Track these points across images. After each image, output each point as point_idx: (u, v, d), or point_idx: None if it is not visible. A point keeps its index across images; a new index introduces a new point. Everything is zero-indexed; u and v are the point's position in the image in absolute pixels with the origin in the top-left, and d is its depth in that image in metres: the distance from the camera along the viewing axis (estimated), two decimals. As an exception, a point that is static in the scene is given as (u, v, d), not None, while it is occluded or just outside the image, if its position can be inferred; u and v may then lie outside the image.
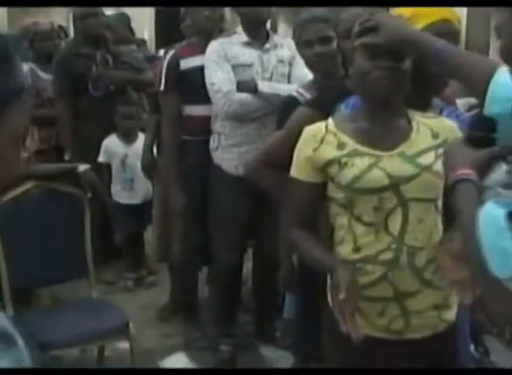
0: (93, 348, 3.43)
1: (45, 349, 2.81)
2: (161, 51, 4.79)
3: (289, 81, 3.48)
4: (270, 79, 3.46)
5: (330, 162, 1.91)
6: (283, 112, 2.82)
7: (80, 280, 3.43)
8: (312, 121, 2.06)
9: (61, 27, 5.80)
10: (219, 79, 3.38)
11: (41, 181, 3.24)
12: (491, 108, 1.65)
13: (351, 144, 1.92)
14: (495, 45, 6.93)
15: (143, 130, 4.48)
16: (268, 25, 3.69)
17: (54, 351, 2.98)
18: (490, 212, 1.39)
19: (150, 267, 4.85)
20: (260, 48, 3.49)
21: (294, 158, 2.00)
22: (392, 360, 1.95)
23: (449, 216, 1.79)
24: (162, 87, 3.67)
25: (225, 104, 3.37)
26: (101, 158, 4.59)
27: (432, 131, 1.96)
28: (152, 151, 4.15)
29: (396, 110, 1.96)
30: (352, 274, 1.82)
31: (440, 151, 1.84)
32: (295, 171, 2.00)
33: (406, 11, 2.01)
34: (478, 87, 1.70)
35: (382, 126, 1.93)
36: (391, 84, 1.86)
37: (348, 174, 1.88)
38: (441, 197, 1.93)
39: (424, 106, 2.08)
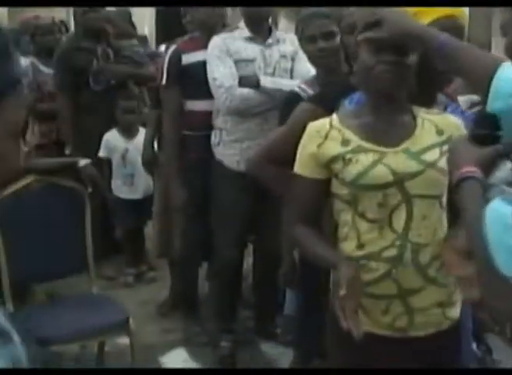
0: (93, 343, 3.42)
1: (45, 345, 2.80)
2: (162, 47, 4.77)
3: (291, 76, 3.47)
4: (272, 74, 3.45)
5: (334, 159, 1.90)
6: (286, 107, 2.81)
7: (80, 275, 3.42)
8: (315, 117, 2.05)
9: (62, 21, 5.79)
10: (221, 74, 3.36)
11: (42, 175, 3.23)
12: (494, 104, 1.64)
13: (355, 140, 1.90)
14: (497, 43, 6.90)
15: (144, 125, 4.47)
16: (270, 20, 3.67)
17: (54, 347, 2.97)
18: (497, 210, 1.38)
19: (150, 263, 4.84)
20: (262, 43, 3.48)
21: (298, 154, 1.99)
22: (395, 358, 1.94)
23: (454, 213, 1.78)
24: (164, 82, 3.66)
25: (227, 99, 3.35)
26: (101, 153, 4.58)
27: (437, 128, 1.95)
28: (153, 146, 4.14)
29: (401, 106, 1.95)
30: (354, 271, 1.81)
31: (445, 147, 1.83)
32: (299, 167, 1.98)
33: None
34: (481, 82, 1.68)
35: (387, 122, 1.92)
36: (395, 79, 1.85)
37: (352, 170, 1.87)
38: (445, 194, 1.92)
39: (428, 102, 2.07)
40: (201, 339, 3.83)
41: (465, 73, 1.80)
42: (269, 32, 3.53)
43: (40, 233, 3.21)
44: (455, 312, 2.00)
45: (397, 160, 1.88)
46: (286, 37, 3.54)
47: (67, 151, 4.61)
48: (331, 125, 1.94)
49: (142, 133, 4.41)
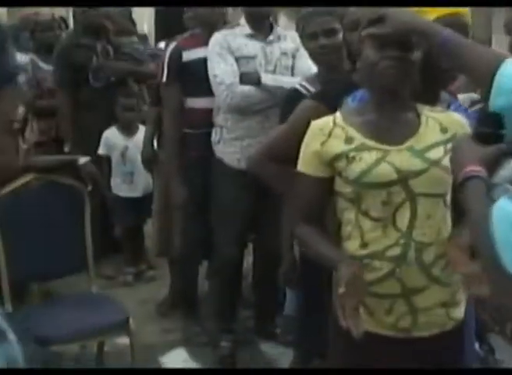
0: (92, 343, 3.40)
1: (44, 345, 2.78)
2: (162, 44, 4.75)
3: (292, 74, 3.45)
4: (273, 71, 3.43)
5: (338, 157, 1.88)
6: (287, 105, 2.80)
7: (80, 274, 3.39)
8: (317, 114, 2.03)
9: (62, 18, 5.77)
10: (222, 71, 3.34)
11: (41, 173, 3.21)
12: (496, 101, 1.62)
13: (359, 138, 1.89)
14: (497, 41, 6.89)
15: (143, 123, 4.45)
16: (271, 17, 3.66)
17: (53, 347, 2.94)
18: (504, 208, 1.38)
19: (149, 261, 4.82)
20: (263, 40, 3.46)
21: (301, 152, 1.97)
22: (397, 359, 1.93)
23: (458, 212, 1.76)
24: (164, 79, 3.64)
25: (227, 96, 3.33)
26: (100, 151, 4.55)
27: (441, 126, 1.93)
28: (153, 144, 4.12)
29: (405, 103, 1.93)
30: (356, 269, 1.79)
31: (449, 145, 1.81)
32: (302, 165, 1.96)
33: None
34: (484, 78, 1.67)
35: (391, 120, 1.91)
36: (399, 74, 1.84)
37: (356, 168, 1.86)
38: (450, 192, 1.90)
39: (432, 100, 2.06)
40: (201, 339, 3.81)
41: (468, 70, 1.79)
42: (270, 29, 3.51)
43: (40, 232, 3.19)
44: (459, 312, 1.98)
45: (401, 158, 1.86)
46: (287, 34, 3.52)
47: (66, 149, 4.59)
48: (334, 123, 1.92)
49: (142, 130, 4.39)
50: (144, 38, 6.63)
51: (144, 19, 9.94)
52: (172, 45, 3.67)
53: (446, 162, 1.77)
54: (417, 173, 1.85)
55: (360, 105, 2.02)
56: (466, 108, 2.34)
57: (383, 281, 1.87)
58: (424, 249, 1.87)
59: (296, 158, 1.99)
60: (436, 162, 1.86)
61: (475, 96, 3.28)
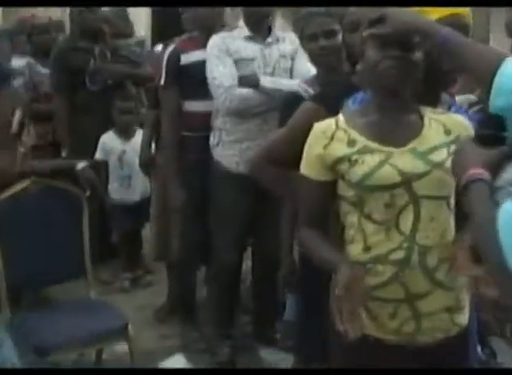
0: (91, 350, 3.36)
1: (43, 355, 2.75)
2: (159, 46, 4.73)
3: (291, 76, 3.44)
4: (272, 74, 3.41)
5: (340, 160, 1.87)
6: (286, 107, 2.79)
7: (78, 280, 3.36)
8: (317, 117, 2.02)
9: (58, 21, 5.75)
10: (221, 73, 3.32)
11: (39, 178, 3.19)
12: (496, 101, 1.61)
13: (361, 140, 1.87)
14: (495, 39, 6.88)
15: (141, 126, 4.42)
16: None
17: (51, 357, 2.91)
18: (510, 211, 1.36)
19: (146, 266, 4.79)
20: (262, 43, 3.44)
21: (304, 155, 1.95)
22: (400, 364, 1.90)
23: (461, 215, 1.74)
24: (162, 82, 3.63)
25: (226, 99, 3.31)
26: (98, 155, 4.52)
27: (445, 127, 1.92)
28: (150, 148, 4.10)
29: (407, 104, 1.91)
30: (356, 273, 1.77)
31: (453, 147, 1.80)
32: (305, 168, 1.95)
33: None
34: (484, 77, 1.65)
35: (393, 122, 1.89)
36: (401, 74, 1.82)
37: (358, 171, 1.84)
38: (453, 195, 1.88)
39: (433, 102, 2.05)
40: (200, 345, 3.78)
41: (468, 69, 1.78)
42: (269, 31, 3.50)
43: (38, 237, 3.17)
44: (463, 318, 1.96)
45: (404, 160, 1.84)
46: (286, 36, 3.52)
47: (63, 153, 4.56)
48: (337, 125, 1.91)
49: (139, 134, 4.36)
50: (141, 44, 6.61)
51: (141, 22, 9.91)
52: (171, 48, 3.65)
53: (450, 164, 1.76)
54: (421, 176, 1.83)
55: (361, 107, 2.00)
56: (466, 110, 2.33)
57: (387, 286, 1.85)
58: (428, 253, 1.85)
59: (296, 161, 1.97)
60: (440, 165, 1.84)
61: (473, 98, 3.27)
